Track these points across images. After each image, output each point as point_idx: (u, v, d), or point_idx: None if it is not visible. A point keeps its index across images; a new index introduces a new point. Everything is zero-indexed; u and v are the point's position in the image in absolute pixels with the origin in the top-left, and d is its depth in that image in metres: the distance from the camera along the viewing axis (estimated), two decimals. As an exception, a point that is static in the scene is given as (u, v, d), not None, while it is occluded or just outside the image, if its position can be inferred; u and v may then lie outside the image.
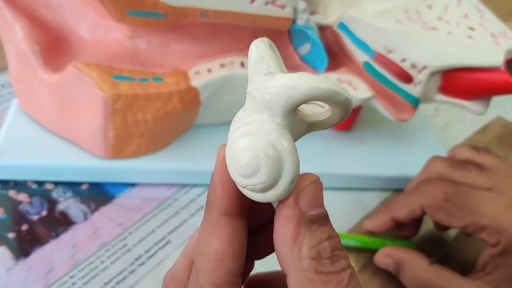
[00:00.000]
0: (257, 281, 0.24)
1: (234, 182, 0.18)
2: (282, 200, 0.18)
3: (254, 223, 0.21)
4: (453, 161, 0.35)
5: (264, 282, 0.24)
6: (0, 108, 0.42)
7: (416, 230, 0.36)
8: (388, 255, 0.33)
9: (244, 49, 0.37)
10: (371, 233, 0.36)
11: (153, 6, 0.32)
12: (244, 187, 0.18)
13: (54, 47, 0.37)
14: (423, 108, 0.49)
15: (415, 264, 0.32)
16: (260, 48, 0.17)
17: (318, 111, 0.19)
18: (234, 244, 0.19)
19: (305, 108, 0.19)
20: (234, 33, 0.36)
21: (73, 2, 0.37)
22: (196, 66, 0.36)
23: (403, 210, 0.34)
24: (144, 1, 0.32)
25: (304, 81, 0.16)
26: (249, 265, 0.22)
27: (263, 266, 0.24)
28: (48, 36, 0.37)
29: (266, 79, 0.17)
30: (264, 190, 0.17)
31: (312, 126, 0.19)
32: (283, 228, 0.17)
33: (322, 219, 0.18)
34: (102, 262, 0.33)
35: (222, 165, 0.18)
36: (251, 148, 0.17)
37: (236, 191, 0.18)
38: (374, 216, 0.35)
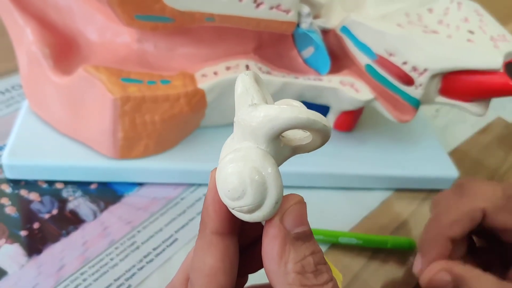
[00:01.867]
0: None
1: (224, 204, 0.20)
2: (268, 220, 0.19)
3: (246, 240, 0.23)
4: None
5: None
6: (11, 110, 0.43)
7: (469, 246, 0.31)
8: (445, 270, 0.27)
9: (249, 52, 0.38)
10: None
11: (161, 10, 0.33)
12: (233, 209, 0.19)
13: (64, 50, 0.38)
14: (424, 109, 0.50)
15: (482, 281, 0.26)
16: (245, 81, 0.19)
17: (301, 136, 0.20)
18: (226, 260, 0.20)
19: (289, 134, 0.20)
20: (240, 37, 0.37)
21: (82, 6, 0.38)
22: (203, 69, 0.37)
23: (460, 223, 0.28)
24: (152, 6, 0.32)
25: (285, 112, 0.18)
26: (242, 279, 0.24)
27: (257, 278, 0.25)
28: (58, 39, 0.38)
29: (250, 110, 0.18)
30: (251, 211, 0.19)
31: (295, 150, 0.20)
32: (270, 246, 0.19)
33: (306, 236, 0.19)
34: (111, 259, 0.34)
35: (214, 188, 0.20)
36: (238, 173, 0.18)
37: (226, 212, 0.20)
38: (423, 252, 0.29)
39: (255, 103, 0.19)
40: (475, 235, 0.32)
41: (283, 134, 0.20)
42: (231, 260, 0.20)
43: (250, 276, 0.24)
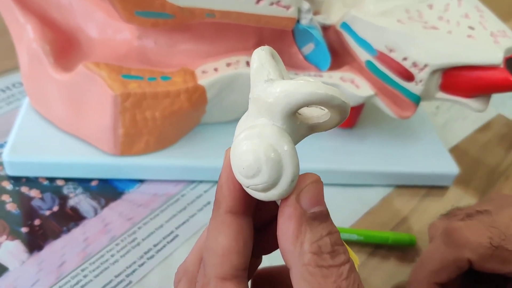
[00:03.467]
0: (265, 274, 0.25)
1: (239, 183, 0.19)
2: (284, 199, 0.19)
3: (260, 220, 0.22)
4: (451, 215, 0.32)
5: (271, 275, 0.25)
6: (12, 107, 0.43)
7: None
8: None
9: (249, 49, 0.38)
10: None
11: (161, 7, 0.33)
12: (247, 187, 0.19)
13: (65, 47, 0.38)
14: (424, 106, 0.50)
15: None
16: (261, 56, 0.19)
17: (318, 113, 0.20)
18: (239, 240, 0.20)
19: (306, 111, 0.20)
20: (240, 33, 0.37)
21: (83, 3, 0.38)
22: (203, 65, 0.37)
23: (447, 270, 0.29)
24: (153, 2, 0.33)
25: (302, 87, 0.17)
26: (256, 259, 0.24)
27: (270, 260, 0.25)
28: (59, 36, 0.38)
29: (266, 86, 0.18)
30: (266, 189, 0.18)
31: (313, 128, 0.20)
32: (286, 225, 0.19)
33: (323, 216, 0.19)
34: (112, 255, 0.34)
35: (228, 166, 0.19)
36: (253, 150, 0.18)
37: (241, 191, 0.20)
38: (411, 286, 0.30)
39: (271, 79, 0.18)
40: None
41: (300, 111, 0.19)
42: (245, 240, 0.20)
43: (264, 257, 0.24)
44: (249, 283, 0.23)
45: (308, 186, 0.19)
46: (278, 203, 0.20)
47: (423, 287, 0.29)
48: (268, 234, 0.22)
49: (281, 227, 0.19)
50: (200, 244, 0.23)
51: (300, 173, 0.19)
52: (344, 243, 0.20)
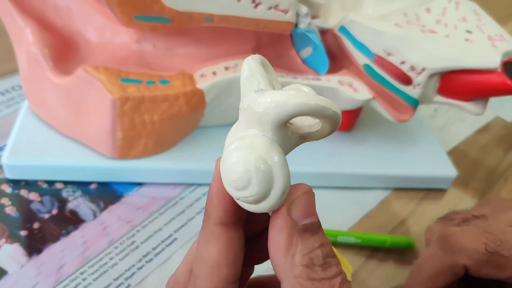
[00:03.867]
0: (257, 284, 0.25)
1: (229, 194, 0.19)
2: (275, 210, 0.19)
3: (252, 229, 0.22)
4: (447, 220, 0.32)
5: (264, 284, 0.25)
6: (11, 110, 0.43)
7: None
8: None
9: (248, 52, 0.38)
10: None
11: (160, 11, 0.33)
12: (238, 199, 0.19)
13: (63, 50, 0.38)
14: (422, 109, 0.50)
15: None
16: (251, 65, 0.18)
17: (309, 123, 0.19)
18: (229, 252, 0.20)
19: (297, 121, 0.20)
20: (238, 37, 0.37)
21: (82, 6, 0.38)
22: (202, 69, 0.37)
23: (443, 276, 0.28)
24: (151, 6, 0.33)
25: (293, 98, 0.17)
26: (248, 269, 0.23)
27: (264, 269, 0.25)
28: (58, 39, 0.38)
29: (256, 96, 0.18)
30: (256, 201, 0.18)
31: (304, 138, 0.19)
32: (277, 237, 0.18)
33: (314, 228, 0.19)
34: (111, 259, 0.34)
35: (218, 177, 0.19)
36: (243, 162, 0.18)
37: (231, 202, 0.19)
38: None
39: (261, 89, 0.18)
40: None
41: (291, 121, 0.19)
42: (235, 252, 0.20)
43: (257, 266, 0.24)
44: None
45: (299, 197, 0.18)
46: (270, 213, 0.19)
47: None
48: (260, 243, 0.22)
49: (272, 238, 0.19)
50: (190, 255, 0.23)
51: (293, 181, 0.19)
52: (337, 253, 0.20)
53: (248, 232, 0.21)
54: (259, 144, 0.18)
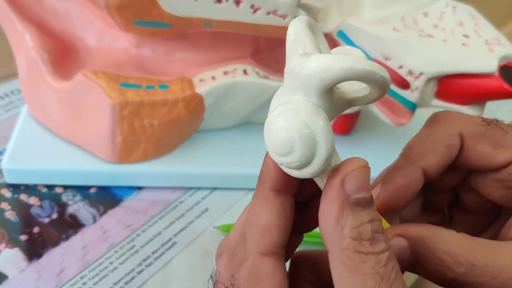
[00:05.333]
0: (306, 258, 0.25)
1: None
2: (329, 181, 0.19)
3: (302, 197, 0.22)
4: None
5: (312, 260, 0.24)
6: (10, 114, 0.44)
7: (449, 218, 0.27)
8: (399, 235, 0.22)
9: (246, 57, 0.38)
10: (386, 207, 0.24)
11: (159, 16, 0.33)
12: (281, 164, 0.19)
13: (63, 55, 0.38)
14: (420, 111, 0.50)
15: (444, 238, 0.21)
16: (297, 28, 0.18)
17: (357, 87, 0.19)
18: (281, 217, 0.20)
19: (344, 85, 0.19)
20: (237, 42, 0.38)
21: (81, 11, 0.38)
22: (201, 74, 0.37)
23: (435, 151, 0.23)
24: (150, 12, 0.33)
25: (340, 62, 0.16)
26: (297, 237, 0.23)
27: None
28: (57, 44, 0.38)
29: (302, 60, 0.17)
30: (299, 167, 0.18)
31: (351, 102, 0.19)
32: (328, 208, 0.18)
33: (366, 203, 0.19)
34: (111, 263, 0.34)
35: None
36: (286, 128, 0.17)
37: None
38: (385, 179, 0.24)
39: (307, 52, 0.17)
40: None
41: (338, 85, 0.19)
42: (286, 218, 0.20)
43: None
44: (288, 262, 0.24)
45: (354, 171, 0.18)
46: (317, 182, 0.19)
47: (405, 170, 0.23)
48: (310, 212, 0.22)
49: (323, 209, 0.19)
50: (242, 220, 0.23)
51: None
52: (382, 219, 0.20)
53: (299, 200, 0.21)
54: (302, 110, 0.17)
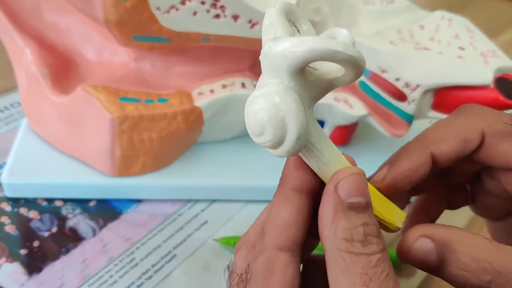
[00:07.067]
0: (319, 261, 0.25)
1: (306, 163, 0.20)
2: (326, 186, 0.20)
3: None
4: None
5: (321, 263, 0.25)
6: (10, 128, 0.44)
7: (472, 197, 0.26)
8: (426, 236, 0.21)
9: (244, 70, 0.39)
10: (390, 187, 0.23)
11: (158, 31, 0.33)
12: (258, 144, 0.19)
13: (63, 69, 0.38)
14: (417, 122, 0.50)
15: (471, 245, 0.20)
16: (271, 15, 0.19)
17: (336, 68, 0.19)
18: (300, 216, 0.21)
19: (322, 66, 0.20)
20: (235, 55, 0.38)
21: (80, 26, 0.39)
22: (199, 87, 0.38)
23: (450, 142, 0.22)
24: (150, 27, 0.33)
25: (302, 44, 0.17)
26: (314, 239, 0.24)
27: None
28: (57, 59, 0.38)
29: (271, 44, 0.18)
30: (273, 147, 0.19)
31: (333, 82, 0.20)
32: (324, 211, 0.20)
33: (361, 208, 0.20)
34: (111, 276, 0.34)
35: None
36: (258, 110, 0.18)
37: (307, 170, 0.21)
38: (392, 161, 0.23)
39: (277, 37, 0.18)
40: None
41: (316, 66, 0.19)
42: (304, 217, 0.21)
43: None
44: (302, 265, 0.25)
45: (347, 177, 0.20)
46: (315, 171, 0.20)
47: (413, 153, 0.23)
48: None
49: (320, 212, 0.20)
50: (262, 217, 0.24)
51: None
52: (389, 203, 0.21)
53: (318, 202, 0.22)
54: (273, 92, 0.18)
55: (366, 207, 0.20)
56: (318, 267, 0.25)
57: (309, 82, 0.19)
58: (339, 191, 0.20)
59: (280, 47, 0.18)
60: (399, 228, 0.23)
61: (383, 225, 0.22)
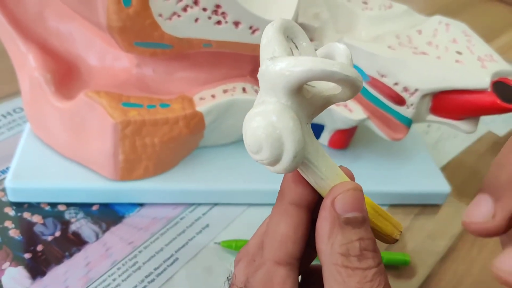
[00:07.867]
0: (314, 272, 0.26)
1: (303, 177, 0.21)
2: (323, 201, 0.20)
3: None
4: None
5: (319, 274, 0.26)
6: (13, 133, 0.44)
7: None
8: None
9: (245, 75, 0.39)
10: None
11: (160, 38, 0.34)
12: (256, 161, 0.20)
13: (65, 75, 0.39)
14: (416, 125, 0.51)
15: None
16: (269, 33, 0.19)
17: (333, 85, 0.20)
18: (298, 231, 0.22)
19: (321, 84, 0.20)
20: (236, 61, 0.38)
21: (83, 32, 0.39)
22: (201, 92, 0.38)
23: None
24: (152, 33, 0.34)
25: (299, 64, 0.17)
26: (313, 252, 0.24)
27: None
28: (59, 64, 0.39)
29: (269, 64, 0.18)
30: (271, 164, 0.19)
31: (330, 100, 0.20)
32: (321, 226, 0.20)
33: (358, 223, 0.20)
34: (114, 280, 0.34)
35: None
36: (255, 128, 0.19)
37: (305, 185, 0.21)
38: (497, 193, 0.19)
39: (275, 56, 0.18)
40: None
41: (313, 84, 0.20)
42: (303, 232, 0.22)
43: None
44: (301, 276, 0.25)
45: (344, 192, 0.20)
46: (313, 185, 0.21)
47: (499, 214, 0.19)
48: None
49: (317, 226, 0.20)
50: (261, 229, 0.24)
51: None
52: (386, 215, 0.22)
53: (316, 215, 0.22)
54: (270, 111, 0.18)
55: (362, 222, 0.20)
56: (317, 279, 0.25)
57: (306, 100, 0.19)
58: (336, 206, 0.20)
59: (278, 67, 0.18)
60: (397, 240, 0.23)
61: (381, 237, 0.23)
